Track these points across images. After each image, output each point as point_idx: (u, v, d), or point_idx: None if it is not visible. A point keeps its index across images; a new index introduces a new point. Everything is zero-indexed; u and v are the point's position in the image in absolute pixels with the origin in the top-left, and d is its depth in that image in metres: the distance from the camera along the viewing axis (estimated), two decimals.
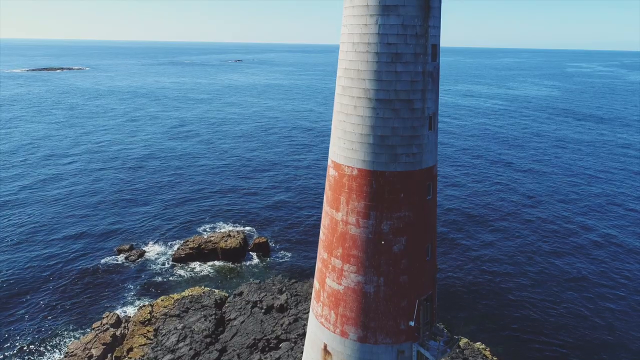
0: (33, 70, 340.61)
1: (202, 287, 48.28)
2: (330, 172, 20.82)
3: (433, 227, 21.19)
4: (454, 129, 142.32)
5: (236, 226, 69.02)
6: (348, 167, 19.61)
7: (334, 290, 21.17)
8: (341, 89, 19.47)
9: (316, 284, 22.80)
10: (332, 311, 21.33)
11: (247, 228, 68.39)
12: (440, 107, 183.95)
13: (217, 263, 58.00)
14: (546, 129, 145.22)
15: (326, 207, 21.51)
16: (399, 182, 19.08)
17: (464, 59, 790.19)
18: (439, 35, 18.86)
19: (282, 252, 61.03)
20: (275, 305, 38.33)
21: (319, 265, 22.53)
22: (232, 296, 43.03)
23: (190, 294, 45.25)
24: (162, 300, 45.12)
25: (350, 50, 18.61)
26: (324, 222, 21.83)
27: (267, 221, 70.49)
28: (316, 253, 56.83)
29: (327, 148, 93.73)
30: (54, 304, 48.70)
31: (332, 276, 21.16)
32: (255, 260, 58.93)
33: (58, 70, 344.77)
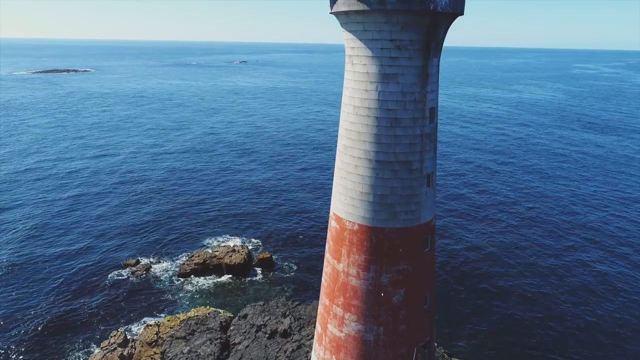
0: (40, 72, 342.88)
1: (207, 307, 49.23)
2: (332, 223, 21.64)
3: (432, 276, 21.97)
4: (455, 133, 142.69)
5: (242, 239, 69.97)
6: (349, 221, 20.43)
7: (335, 336, 21.99)
8: (342, 148, 20.27)
9: (318, 327, 23.64)
10: (333, 356, 22.15)
11: (252, 240, 69.36)
12: (442, 110, 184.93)
13: (221, 279, 58.94)
14: (551, 136, 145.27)
15: (328, 256, 22.34)
16: (398, 238, 19.88)
17: (469, 59, 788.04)
18: (437, 98, 19.61)
19: (285, 267, 61.91)
20: (279, 330, 39.27)
21: (320, 309, 23.36)
22: (236, 318, 43.98)
23: (196, 314, 46.20)
24: (168, 321, 46.07)
25: (351, 113, 19.40)
26: (326, 269, 22.66)
27: (270, 234, 71.38)
28: (319, 269, 57.46)
29: (334, 157, 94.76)
30: (60, 318, 49.55)
31: (333, 323, 21.99)
32: (260, 276, 59.83)
33: (64, 73, 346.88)
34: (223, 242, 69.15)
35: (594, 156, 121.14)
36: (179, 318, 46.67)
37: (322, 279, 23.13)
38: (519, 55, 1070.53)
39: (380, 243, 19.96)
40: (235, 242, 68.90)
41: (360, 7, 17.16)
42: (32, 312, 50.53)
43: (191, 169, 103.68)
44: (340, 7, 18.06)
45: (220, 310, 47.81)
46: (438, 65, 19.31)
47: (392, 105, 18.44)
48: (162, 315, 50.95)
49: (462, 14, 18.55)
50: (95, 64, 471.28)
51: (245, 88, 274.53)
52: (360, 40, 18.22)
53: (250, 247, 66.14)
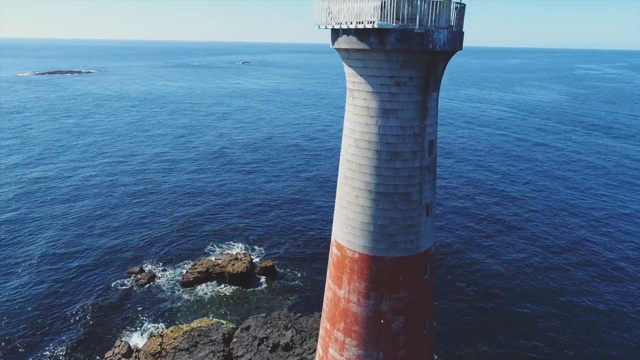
0: (43, 73, 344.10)
1: (210, 317, 49.80)
2: (333, 250, 22.10)
3: (431, 301, 22.39)
4: (456, 134, 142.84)
5: (245, 246, 70.50)
6: (350, 249, 20.88)
7: None
8: (343, 178, 20.73)
9: (320, 349, 24.10)
10: None
11: (255, 248, 69.86)
12: (444, 112, 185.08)
13: (224, 288, 59.45)
14: (554, 140, 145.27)
15: (329, 281, 22.79)
16: (398, 266, 20.32)
17: (471, 60, 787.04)
18: (436, 132, 20.02)
19: (288, 275, 62.38)
20: (281, 343, 39.76)
21: (322, 332, 23.82)
22: (239, 330, 44.48)
23: (199, 325, 46.75)
24: (171, 332, 46.65)
25: (352, 145, 19.84)
26: (327, 294, 23.12)
27: (273, 241, 71.85)
28: (321, 276, 57.72)
29: (337, 162, 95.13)
30: (62, 326, 50.01)
31: (334, 347, 22.45)
32: (262, 285, 60.31)
33: (68, 74, 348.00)
34: (226, 249, 69.70)
35: (598, 159, 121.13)
36: (182, 329, 47.21)
37: (324, 303, 23.59)
38: (520, 56, 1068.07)
39: (380, 271, 20.40)
40: (238, 249, 69.44)
41: (361, 45, 17.58)
42: (32, 320, 50.93)
43: (194, 174, 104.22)
44: (341, 44, 18.49)
45: (223, 322, 48.35)
46: (437, 100, 19.72)
47: (391, 139, 18.87)
48: (166, 324, 51.49)
49: (460, 49, 18.95)
50: (98, 65, 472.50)
51: (249, 90, 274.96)
52: (361, 75, 18.65)
53: (252, 255, 66.65)
